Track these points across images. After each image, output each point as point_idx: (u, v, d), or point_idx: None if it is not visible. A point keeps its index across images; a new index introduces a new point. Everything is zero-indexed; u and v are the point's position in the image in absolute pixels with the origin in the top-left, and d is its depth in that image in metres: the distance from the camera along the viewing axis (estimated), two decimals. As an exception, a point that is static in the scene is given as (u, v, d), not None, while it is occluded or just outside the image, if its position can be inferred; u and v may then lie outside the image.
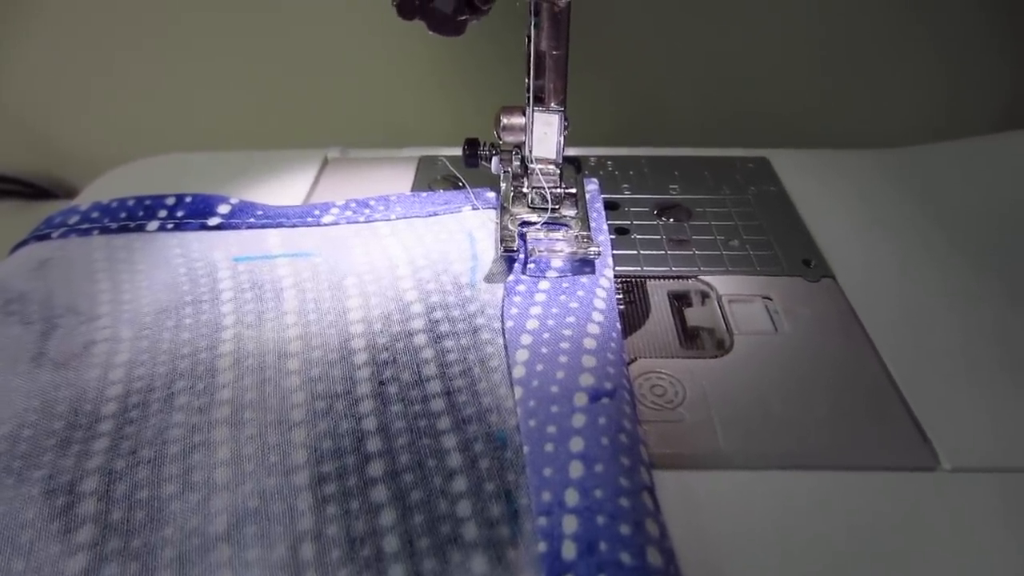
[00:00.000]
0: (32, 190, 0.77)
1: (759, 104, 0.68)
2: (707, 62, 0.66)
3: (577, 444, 0.30)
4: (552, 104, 0.43)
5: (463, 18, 0.35)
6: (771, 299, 0.41)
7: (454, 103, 0.68)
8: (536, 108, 0.43)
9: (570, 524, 0.28)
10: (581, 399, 0.32)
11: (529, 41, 0.40)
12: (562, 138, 0.44)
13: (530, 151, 0.45)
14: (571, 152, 0.56)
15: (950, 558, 0.28)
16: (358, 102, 0.69)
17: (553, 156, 0.45)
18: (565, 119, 0.43)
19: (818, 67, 0.67)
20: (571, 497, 0.28)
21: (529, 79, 0.42)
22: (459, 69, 0.66)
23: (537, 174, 0.45)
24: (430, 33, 0.36)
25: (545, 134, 0.44)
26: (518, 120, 0.44)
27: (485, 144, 0.48)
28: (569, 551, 0.27)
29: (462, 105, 0.67)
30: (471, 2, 0.35)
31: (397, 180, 0.54)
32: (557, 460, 0.30)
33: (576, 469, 0.29)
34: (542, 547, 0.27)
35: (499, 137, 0.45)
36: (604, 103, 0.67)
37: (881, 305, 0.41)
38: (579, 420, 0.31)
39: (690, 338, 0.39)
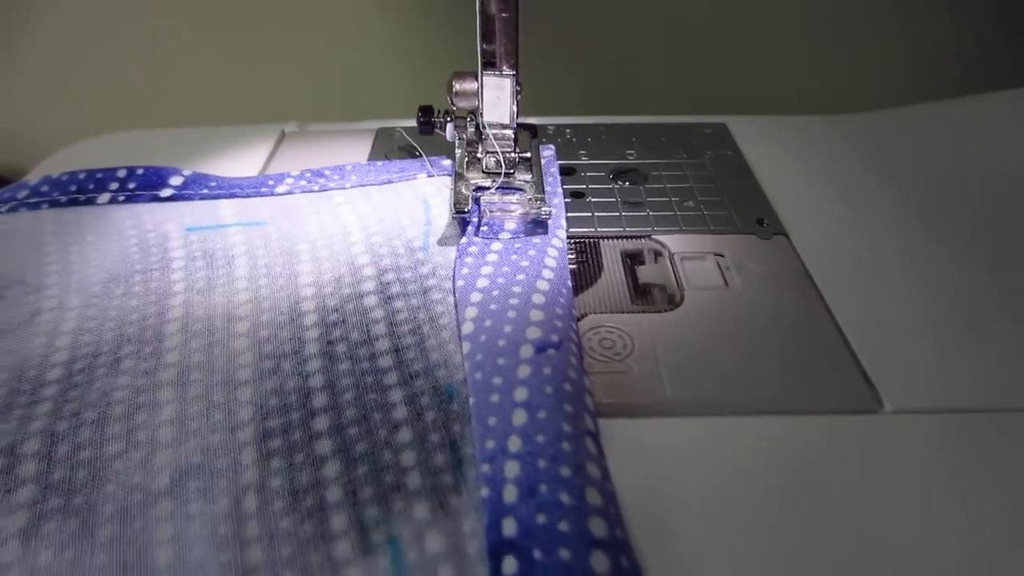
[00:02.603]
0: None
1: (720, 72, 0.68)
2: (668, 32, 0.67)
3: (522, 393, 0.30)
4: (504, 68, 0.43)
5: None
6: (723, 256, 0.42)
7: (412, 74, 0.68)
8: (487, 72, 0.43)
9: (512, 469, 0.28)
10: (527, 351, 0.32)
11: (478, 3, 0.40)
12: (515, 102, 0.44)
13: (483, 116, 0.44)
14: (530, 120, 0.56)
15: (891, 495, 0.29)
16: (316, 78, 0.68)
17: (507, 121, 0.45)
18: (517, 83, 0.43)
19: (780, 37, 0.67)
20: (514, 443, 0.28)
21: (479, 43, 0.42)
22: (416, 39, 0.66)
23: (491, 139, 0.45)
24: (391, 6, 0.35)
25: (498, 98, 0.44)
26: (471, 85, 0.44)
27: (439, 111, 0.48)
28: (511, 494, 0.27)
29: (421, 75, 0.67)
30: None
31: (354, 152, 0.54)
32: (502, 409, 0.30)
33: (520, 417, 0.29)
34: (484, 492, 0.27)
35: (453, 103, 0.45)
36: (565, 73, 0.67)
37: (832, 261, 0.41)
38: (524, 371, 0.31)
39: (642, 294, 0.40)
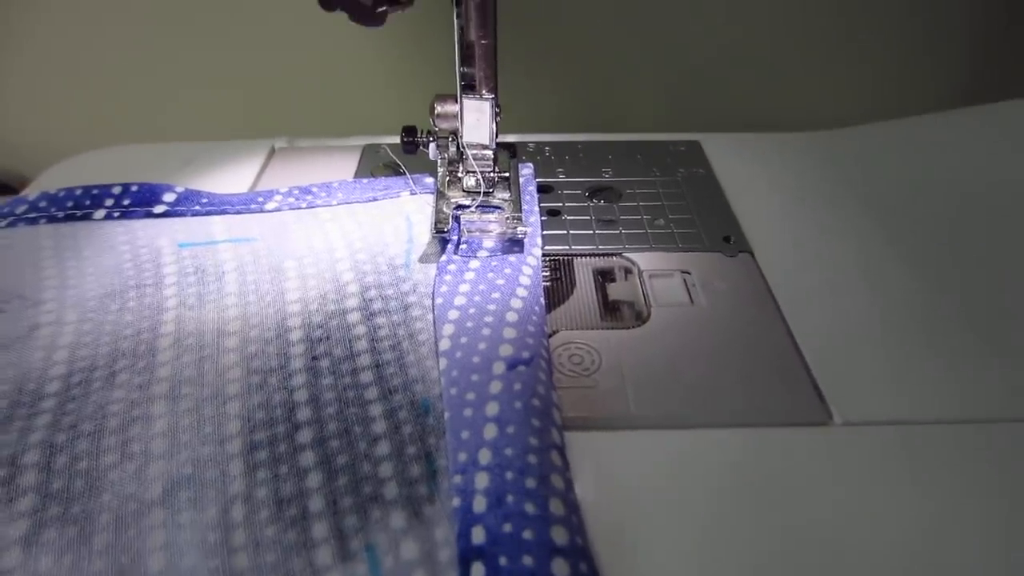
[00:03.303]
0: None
1: (696, 90, 0.70)
2: (647, 50, 0.69)
3: (493, 408, 0.32)
4: (483, 92, 0.45)
5: (382, 9, 0.37)
6: (690, 273, 0.44)
7: (400, 93, 0.70)
8: (467, 96, 0.45)
9: (482, 480, 0.30)
10: (499, 368, 0.34)
11: (458, 31, 0.42)
12: (495, 124, 0.46)
13: (462, 137, 0.46)
14: (511, 138, 0.58)
15: (838, 503, 0.31)
16: (306, 95, 0.70)
17: (486, 142, 0.47)
18: (497, 106, 0.45)
19: (755, 54, 0.69)
20: (484, 456, 0.31)
21: (459, 68, 0.44)
22: (404, 59, 0.68)
23: (471, 160, 0.47)
24: (353, 24, 0.37)
25: (477, 120, 0.46)
26: (452, 108, 0.46)
27: (422, 131, 0.49)
28: (480, 505, 0.29)
29: (408, 94, 0.69)
30: (390, -6, 0.37)
31: (341, 168, 0.56)
32: (474, 424, 0.32)
33: (490, 431, 0.31)
34: (456, 502, 0.29)
35: (435, 124, 0.47)
36: (545, 92, 0.69)
37: (794, 278, 0.43)
38: (496, 387, 0.33)
39: (611, 311, 0.42)
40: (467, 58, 0.43)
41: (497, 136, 0.47)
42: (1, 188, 0.78)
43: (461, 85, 0.44)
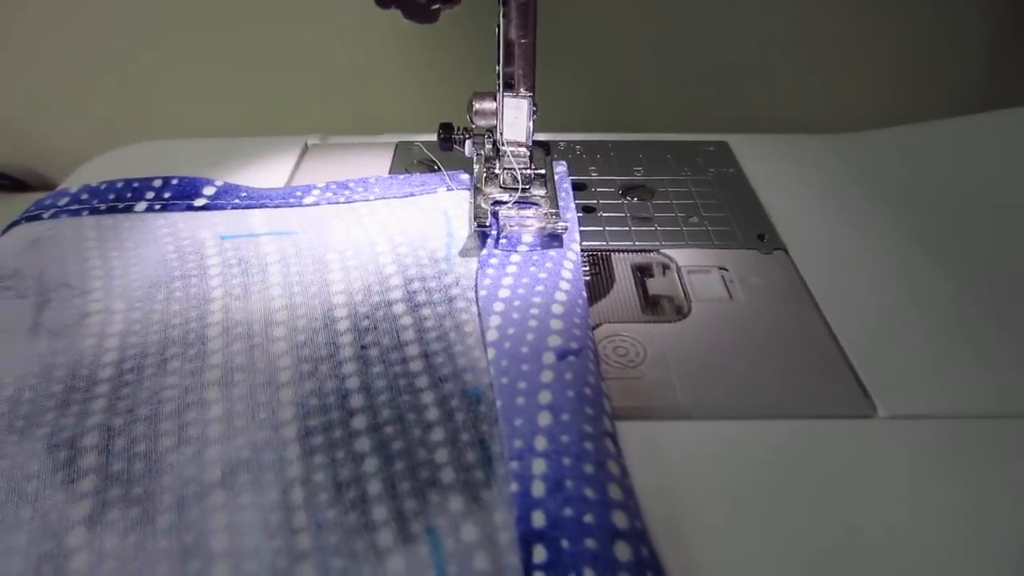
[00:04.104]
0: (10, 182, 0.78)
1: (722, 91, 0.71)
2: (672, 52, 0.69)
3: (545, 396, 0.33)
4: (521, 90, 0.45)
5: (436, 7, 0.37)
6: (727, 270, 0.44)
7: (429, 91, 0.70)
8: (506, 94, 0.45)
9: (539, 466, 0.30)
10: (549, 357, 0.35)
11: (499, 30, 0.43)
12: (531, 122, 0.46)
13: (501, 135, 0.47)
14: (542, 137, 0.59)
15: (884, 495, 0.31)
16: (336, 91, 0.71)
17: (523, 139, 0.47)
18: (534, 104, 0.46)
19: (780, 58, 0.70)
20: (540, 443, 0.31)
21: (499, 66, 0.44)
22: (435, 58, 0.69)
23: (508, 156, 0.48)
24: (406, 21, 0.38)
25: (515, 118, 0.47)
26: (489, 105, 0.47)
27: (459, 129, 0.50)
28: (538, 489, 0.29)
29: (437, 93, 0.70)
30: (444, -8, 0.38)
31: (375, 165, 0.56)
32: (527, 411, 0.33)
33: (544, 418, 0.32)
34: (514, 487, 0.30)
35: (472, 122, 0.48)
36: (574, 91, 0.70)
37: (829, 275, 0.44)
38: (547, 376, 0.34)
39: (651, 305, 0.42)
40: (506, 57, 0.44)
41: (533, 134, 0.47)
42: (21, 187, 0.79)
43: (500, 83, 0.45)
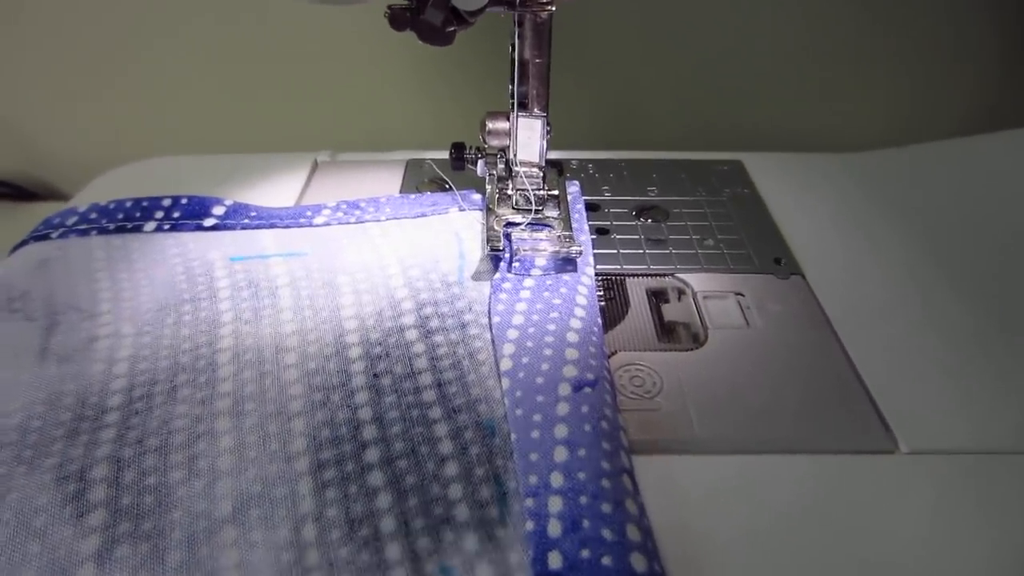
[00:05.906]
0: (15, 191, 0.78)
1: (734, 110, 0.71)
2: (684, 71, 0.69)
3: (561, 431, 0.32)
4: (535, 109, 0.45)
5: (451, 29, 0.37)
6: (743, 295, 0.44)
7: (439, 109, 0.70)
8: (520, 113, 0.45)
9: (555, 504, 0.30)
10: (565, 389, 0.34)
11: (513, 50, 0.42)
12: (545, 142, 0.46)
13: (514, 155, 0.46)
14: (554, 155, 0.58)
15: (906, 532, 0.31)
16: (347, 108, 0.71)
17: (536, 159, 0.47)
18: (547, 124, 0.45)
19: (792, 76, 0.69)
20: (556, 479, 0.30)
21: (513, 86, 0.44)
22: (444, 76, 0.68)
23: (521, 177, 0.47)
24: (420, 43, 0.38)
25: (529, 138, 0.46)
26: (503, 125, 0.46)
27: (471, 148, 0.50)
28: (555, 529, 0.29)
29: (447, 111, 0.69)
30: (459, 15, 0.37)
31: (385, 183, 0.56)
32: (543, 446, 0.32)
33: (561, 454, 0.31)
34: (529, 526, 0.29)
35: (484, 141, 0.47)
36: (586, 109, 0.70)
37: (847, 301, 0.43)
38: (563, 408, 0.33)
39: (667, 332, 0.42)
40: (521, 76, 0.44)
41: (546, 154, 0.47)
42: (29, 196, 0.79)
43: (513, 103, 0.45)
